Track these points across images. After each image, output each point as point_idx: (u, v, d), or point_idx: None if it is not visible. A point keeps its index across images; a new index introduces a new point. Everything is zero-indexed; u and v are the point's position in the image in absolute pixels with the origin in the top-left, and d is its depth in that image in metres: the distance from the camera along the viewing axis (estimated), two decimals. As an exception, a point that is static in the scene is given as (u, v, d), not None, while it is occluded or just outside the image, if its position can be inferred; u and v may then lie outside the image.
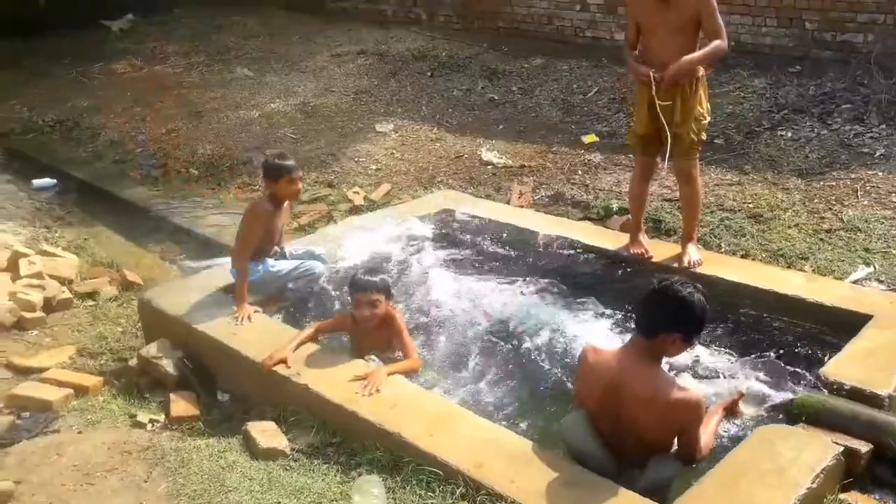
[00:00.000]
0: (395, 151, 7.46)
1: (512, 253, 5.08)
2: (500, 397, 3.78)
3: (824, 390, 3.33)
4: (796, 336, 3.92)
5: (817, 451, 2.96)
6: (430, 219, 5.48)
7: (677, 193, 5.04)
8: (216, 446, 3.47)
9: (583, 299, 4.53)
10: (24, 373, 4.27)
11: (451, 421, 3.31)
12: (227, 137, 8.04)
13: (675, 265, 4.47)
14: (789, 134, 6.51)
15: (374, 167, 7.15)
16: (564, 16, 9.66)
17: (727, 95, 7.40)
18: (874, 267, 4.63)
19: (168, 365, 4.10)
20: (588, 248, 4.91)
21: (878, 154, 5.97)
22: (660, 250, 4.73)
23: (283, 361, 3.69)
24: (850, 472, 3.01)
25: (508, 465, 3.02)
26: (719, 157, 6.36)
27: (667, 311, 2.91)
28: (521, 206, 6.03)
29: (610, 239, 5.01)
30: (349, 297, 3.96)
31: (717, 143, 6.56)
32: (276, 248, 4.59)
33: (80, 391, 4.04)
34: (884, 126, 6.32)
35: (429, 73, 9.41)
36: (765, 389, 3.53)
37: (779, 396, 3.48)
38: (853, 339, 3.60)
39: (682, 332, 2.92)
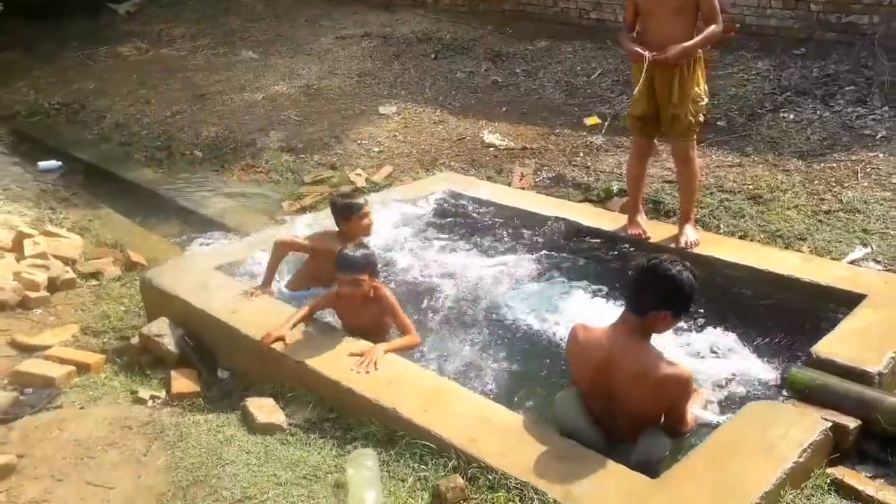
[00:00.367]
0: (397, 134, 7.49)
1: (510, 234, 5.10)
2: (495, 374, 3.82)
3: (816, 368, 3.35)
4: (791, 315, 3.93)
5: (805, 426, 2.99)
6: (431, 200, 5.50)
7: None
8: (215, 421, 3.52)
9: (580, 279, 4.56)
10: (28, 350, 4.34)
11: (445, 397, 3.36)
12: (231, 120, 8.08)
13: (673, 246, 4.49)
14: (791, 116, 6.50)
15: (376, 149, 7.18)
16: (569, -3, 9.64)
17: (731, 77, 7.39)
18: (871, 247, 4.64)
19: (169, 343, 4.15)
20: (587, 229, 4.93)
21: (879, 136, 5.95)
22: (658, 231, 4.74)
23: (281, 339, 3.74)
24: (838, 448, 3.04)
25: (500, 440, 3.06)
26: (721, 138, 6.36)
27: (656, 289, 2.94)
28: (523, 188, 6.05)
29: (609, 220, 5.03)
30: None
31: (719, 125, 6.56)
32: None
33: (83, 368, 4.10)
34: (886, 108, 6.31)
35: (433, 56, 9.42)
36: (757, 367, 3.56)
37: (771, 374, 3.51)
38: (846, 318, 3.62)
39: (672, 310, 2.95)
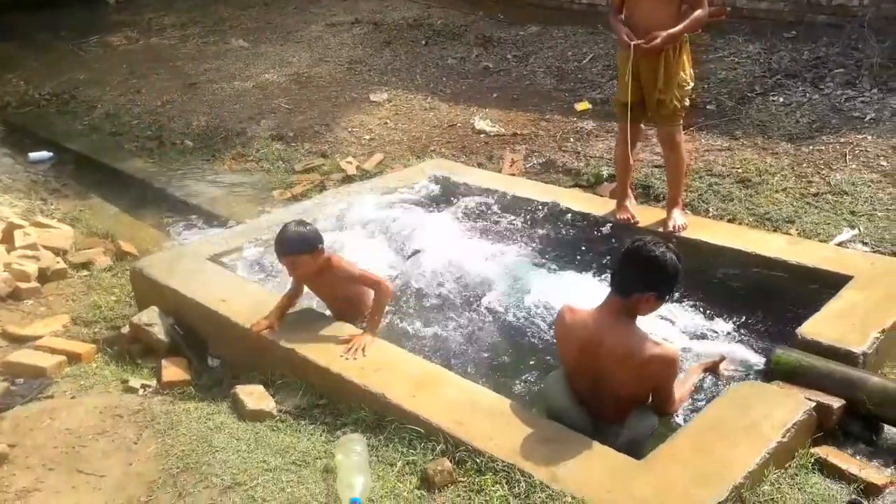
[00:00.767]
0: (388, 121, 7.48)
1: (500, 219, 5.12)
2: (485, 359, 3.85)
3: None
4: (777, 297, 3.96)
5: (789, 407, 3.02)
6: (421, 187, 5.51)
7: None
8: (205, 409, 3.54)
9: (569, 263, 4.59)
10: (19, 341, 4.34)
11: (434, 382, 3.38)
12: (222, 109, 8.07)
13: (661, 230, 4.50)
14: (781, 99, 6.51)
15: (367, 137, 7.17)
16: (560, -18, 9.62)
17: (721, 61, 7.39)
18: (859, 229, 4.66)
19: (159, 332, 4.16)
20: (576, 214, 4.95)
21: (868, 118, 5.97)
22: (647, 215, 4.76)
23: (270, 327, 3.76)
24: (822, 427, 3.07)
25: (488, 423, 3.09)
26: (711, 122, 6.37)
27: (640, 271, 2.96)
28: (513, 174, 6.06)
29: (598, 205, 5.04)
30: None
31: (708, 109, 6.57)
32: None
33: (74, 358, 4.11)
34: (875, 90, 6.32)
35: (423, 42, 9.40)
36: (743, 348, 3.59)
37: (757, 355, 3.54)
38: (831, 300, 3.64)
39: (656, 291, 2.97)
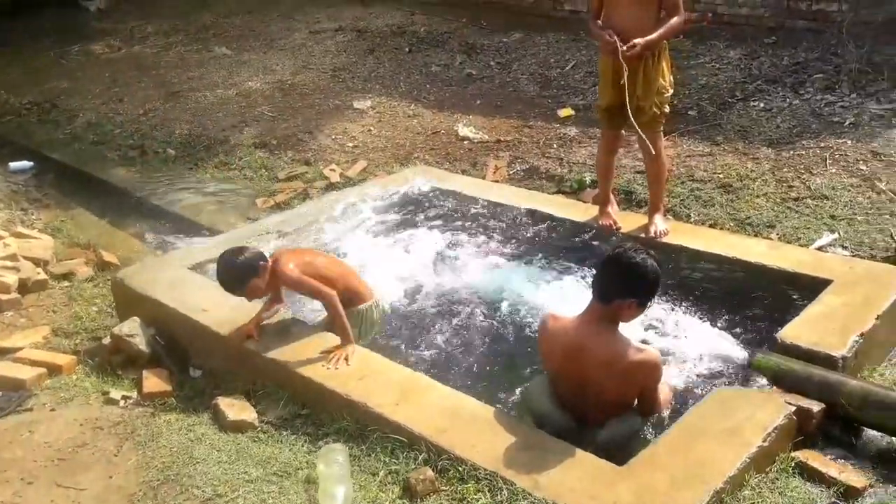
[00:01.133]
0: (372, 128, 7.48)
1: (483, 226, 5.12)
2: (468, 366, 3.85)
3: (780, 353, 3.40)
4: (758, 301, 3.99)
5: (770, 411, 3.04)
6: (404, 194, 5.51)
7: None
8: (186, 420, 3.52)
9: (551, 270, 4.60)
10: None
11: (417, 390, 3.37)
12: (205, 117, 8.05)
13: (643, 235, 4.52)
14: (762, 104, 6.55)
15: (350, 144, 7.17)
16: (543, -11, 9.66)
17: (703, 67, 7.43)
18: (839, 233, 4.69)
19: (140, 342, 4.14)
20: (559, 221, 4.96)
21: (847, 122, 6.02)
22: (629, 221, 4.78)
23: (250, 336, 3.74)
24: (802, 431, 3.09)
25: (471, 431, 3.09)
26: (692, 128, 6.41)
27: (621, 278, 2.98)
28: (497, 181, 6.07)
29: (580, 211, 5.06)
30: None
31: (690, 115, 6.61)
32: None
33: (54, 370, 4.08)
34: (854, 95, 6.37)
35: (407, 49, 9.41)
36: (725, 352, 3.60)
37: (738, 359, 3.55)
38: (811, 304, 3.67)
39: (637, 297, 2.99)
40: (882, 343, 3.65)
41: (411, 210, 5.42)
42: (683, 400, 3.36)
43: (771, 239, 4.67)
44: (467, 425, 3.12)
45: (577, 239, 4.81)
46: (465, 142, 6.98)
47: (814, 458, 3.01)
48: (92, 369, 4.17)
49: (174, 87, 9.02)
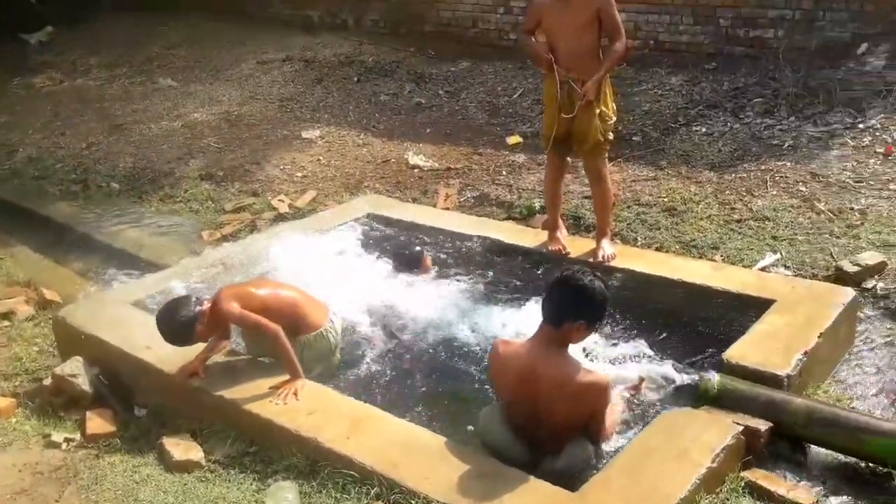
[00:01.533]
0: (321, 158, 7.45)
1: (434, 254, 5.12)
2: (420, 396, 3.81)
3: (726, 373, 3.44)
4: (704, 322, 4.04)
5: (718, 432, 3.07)
6: (353, 224, 5.49)
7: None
8: (131, 461, 3.43)
9: (502, 296, 4.60)
10: (-66, 399, 4.15)
11: (368, 423, 3.34)
12: (149, 149, 7.94)
13: (591, 260, 4.57)
14: (703, 129, 6.70)
15: (299, 174, 7.13)
16: (489, 19, 9.77)
17: (646, 94, 7.59)
18: (781, 254, 4.80)
19: (83, 382, 4.03)
20: (509, 247, 4.99)
21: (786, 145, 6.18)
22: (577, 246, 4.82)
23: (195, 373, 3.66)
24: (750, 451, 3.13)
25: (424, 463, 3.06)
26: (637, 153, 6.52)
27: (570, 300, 3.01)
28: (447, 209, 6.09)
29: (530, 237, 5.09)
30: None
31: (634, 141, 6.73)
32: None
33: (-8, 414, 3.95)
34: (792, 118, 6.56)
35: (356, 79, 9.42)
36: (672, 375, 3.63)
37: (685, 381, 3.58)
38: (755, 324, 3.73)
39: (586, 319, 3.02)
40: (825, 361, 3.73)
41: (361, 239, 5.39)
42: (633, 423, 3.38)
43: (715, 261, 4.76)
44: (420, 457, 3.09)
45: (527, 265, 4.83)
46: (416, 170, 6.99)
47: (763, 478, 3.05)
48: (32, 412, 4.04)
49: (118, 120, 8.89)
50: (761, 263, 4.72)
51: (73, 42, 12.24)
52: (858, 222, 5.00)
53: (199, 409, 3.64)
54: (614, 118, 4.51)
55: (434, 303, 4.62)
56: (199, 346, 3.79)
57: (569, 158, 4.75)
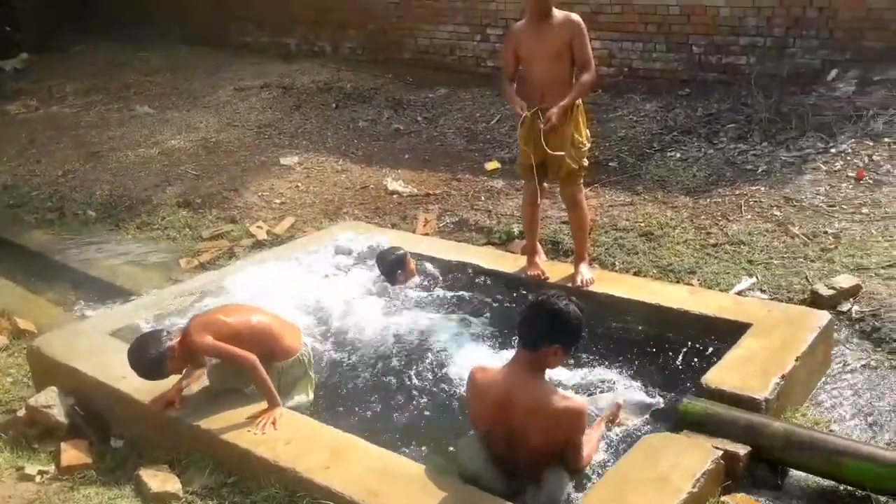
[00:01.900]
0: (299, 184, 7.45)
1: (412, 280, 5.11)
2: (399, 425, 3.80)
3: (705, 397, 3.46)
4: (681, 346, 4.06)
5: (697, 456, 3.08)
6: (332, 250, 5.48)
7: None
8: (107, 494, 3.39)
9: (481, 322, 4.62)
10: None
11: (347, 452, 3.31)
12: (126, 177, 7.90)
13: (570, 285, 4.59)
14: (678, 154, 6.78)
15: (278, 201, 7.12)
16: (465, 46, 9.86)
17: (621, 120, 7.67)
18: (757, 277, 4.85)
19: (58, 413, 3.98)
20: (488, 272, 5.00)
21: (760, 170, 6.27)
22: (556, 271, 4.84)
23: (171, 402, 3.62)
24: (730, 475, 3.14)
25: (403, 492, 3.04)
26: (613, 178, 6.58)
27: (545, 324, 3.02)
28: (427, 234, 6.10)
29: (510, 262, 5.11)
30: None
31: (610, 166, 6.79)
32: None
33: (-37, 447, 3.88)
34: (765, 143, 6.66)
35: (334, 105, 9.44)
36: (651, 399, 3.65)
37: (664, 405, 3.60)
38: (733, 348, 3.76)
39: (562, 343, 3.03)
40: (803, 384, 3.76)
41: (340, 265, 5.38)
42: (612, 448, 3.38)
43: (692, 285, 4.80)
44: (400, 486, 3.07)
45: (506, 290, 4.84)
46: (395, 196, 7.01)
47: (743, 501, 3.05)
48: (5, 444, 3.98)
49: (94, 148, 8.84)
50: (737, 287, 4.76)
51: (48, 69, 12.19)
52: (832, 246, 5.07)
53: (176, 440, 3.60)
54: (588, 145, 4.55)
55: (413, 328, 4.61)
56: (176, 378, 3.75)
57: (546, 184, 4.79)
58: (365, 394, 4.05)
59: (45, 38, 12.85)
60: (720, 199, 5.93)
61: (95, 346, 4.23)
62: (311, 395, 3.92)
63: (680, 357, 4.01)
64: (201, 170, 7.95)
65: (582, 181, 4.66)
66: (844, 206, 5.54)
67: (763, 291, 4.73)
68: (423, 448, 3.58)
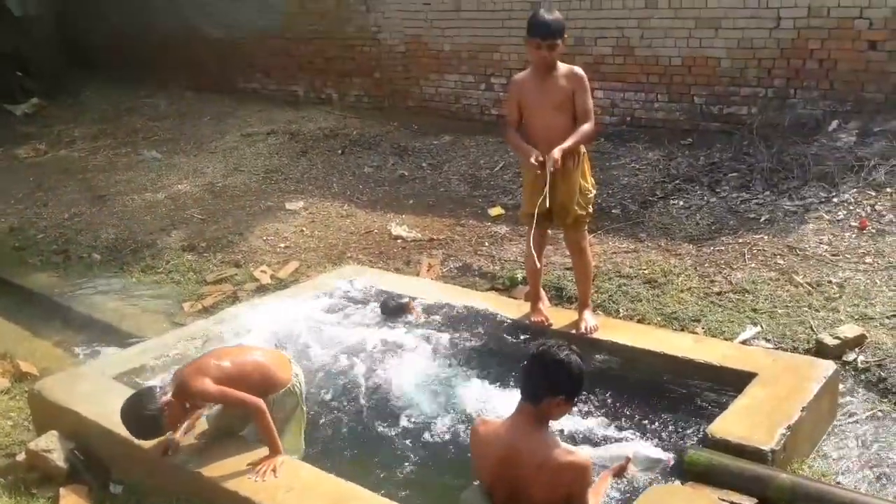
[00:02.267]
0: (304, 229, 7.49)
1: (415, 325, 5.11)
2: (401, 475, 3.76)
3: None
4: (686, 396, 4.04)
5: (703, 509, 3.04)
6: (335, 294, 5.48)
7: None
8: (105, 541, 3.33)
9: (484, 368, 4.59)
10: None
11: (349, 501, 3.28)
12: (132, 221, 7.95)
13: (574, 332, 4.58)
14: (681, 202, 6.82)
15: (282, 245, 7.15)
16: (470, 95, 10.00)
17: (624, 168, 7.73)
18: (761, 326, 4.84)
19: (58, 458, 3.96)
20: (491, 318, 4.99)
21: (763, 219, 6.30)
22: (560, 317, 4.84)
23: (174, 448, 3.59)
24: (735, 528, 3.10)
25: (406, 543, 3.00)
26: (616, 226, 6.61)
27: (547, 376, 2.98)
28: (430, 279, 6.11)
29: (513, 308, 5.10)
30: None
31: (613, 213, 6.83)
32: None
33: (-40, 492, 3.84)
34: (768, 192, 6.69)
35: (340, 151, 9.54)
36: (656, 450, 3.61)
37: (669, 456, 3.56)
38: (738, 398, 3.73)
39: (564, 394, 2.99)
40: (809, 434, 3.73)
41: (343, 310, 5.38)
42: (617, 499, 3.33)
43: (696, 333, 4.78)
44: (402, 536, 3.03)
45: (510, 336, 4.83)
46: (399, 240, 7.04)
47: (749, 555, 3.01)
48: (4, 488, 3.95)
49: (101, 191, 8.92)
50: (742, 336, 4.75)
51: (58, 114, 12.37)
52: (837, 295, 5.07)
53: (176, 486, 3.56)
54: (594, 192, 4.59)
55: (416, 375, 4.59)
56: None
57: (549, 230, 4.81)
58: (366, 440, 4.01)
59: (55, 83, 13.06)
60: (723, 248, 5.95)
61: (97, 389, 4.21)
62: (303, 445, 3.88)
63: (685, 406, 3.98)
64: (207, 214, 8.01)
65: (586, 228, 4.68)
66: (848, 256, 5.55)
67: (767, 340, 4.72)
68: (426, 499, 3.53)
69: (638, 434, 3.78)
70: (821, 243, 5.77)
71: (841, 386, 4.17)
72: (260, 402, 3.55)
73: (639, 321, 5.04)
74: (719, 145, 7.68)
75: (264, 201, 8.24)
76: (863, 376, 4.31)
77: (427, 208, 7.75)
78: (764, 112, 7.70)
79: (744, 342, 4.66)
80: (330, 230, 7.42)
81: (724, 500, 3.10)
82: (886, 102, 7.11)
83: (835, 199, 6.27)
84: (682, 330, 4.85)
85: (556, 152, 4.24)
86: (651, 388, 4.17)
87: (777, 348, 4.57)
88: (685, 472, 3.35)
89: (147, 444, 3.66)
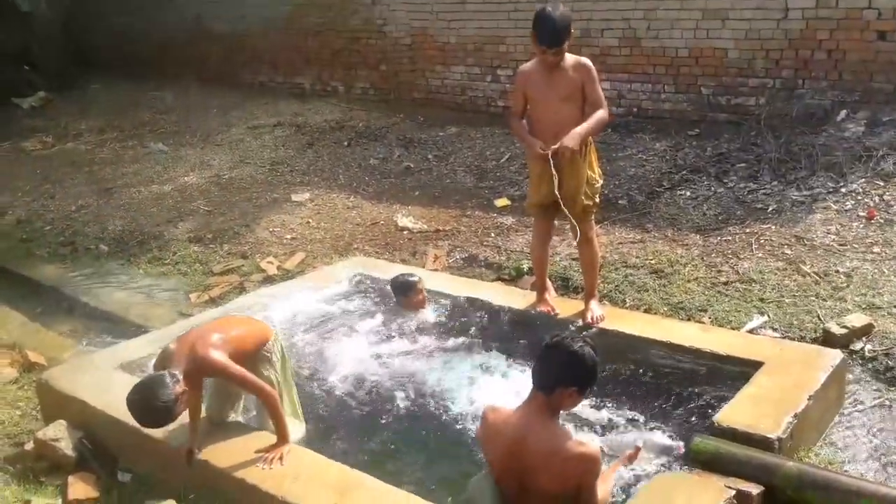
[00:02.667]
0: (310, 220, 7.50)
1: (422, 315, 5.11)
2: (408, 462, 3.76)
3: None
4: (693, 385, 4.03)
5: (710, 496, 3.04)
6: (341, 285, 5.49)
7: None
8: (113, 529, 3.35)
9: (493, 358, 4.59)
10: (-89, 464, 4.07)
11: (356, 489, 3.29)
12: (139, 212, 7.98)
13: (580, 321, 4.58)
14: (688, 193, 6.80)
15: (288, 237, 7.16)
16: (476, 87, 9.98)
17: (630, 158, 7.71)
18: (768, 316, 4.82)
19: (66, 447, 3.98)
20: (498, 308, 4.99)
21: (770, 209, 6.27)
22: (566, 307, 4.84)
23: (198, 449, 3.59)
24: (743, 516, 3.09)
25: (412, 530, 3.00)
26: (623, 216, 6.60)
27: (560, 366, 2.98)
28: (436, 270, 6.11)
29: (520, 298, 5.10)
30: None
31: (620, 204, 6.81)
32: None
33: (-31, 480, 3.87)
34: (775, 182, 6.66)
35: (346, 143, 9.54)
36: (663, 438, 3.61)
37: (676, 444, 3.56)
38: (745, 386, 3.73)
39: (577, 385, 2.99)
40: (816, 423, 3.72)
41: (350, 300, 5.39)
42: (623, 487, 3.33)
43: (703, 322, 4.77)
44: (409, 524, 3.03)
45: (516, 326, 4.83)
46: (405, 232, 7.04)
47: (755, 542, 3.00)
48: (12, 477, 3.97)
49: (108, 184, 8.95)
50: (749, 325, 4.74)
51: (64, 107, 12.41)
52: (844, 285, 5.05)
53: (184, 475, 3.57)
54: (601, 182, 4.57)
55: (423, 365, 4.60)
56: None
57: (555, 221, 4.80)
58: (373, 429, 4.02)
59: (62, 77, 13.09)
60: (731, 238, 5.93)
61: (105, 379, 4.23)
62: (303, 427, 3.89)
63: (692, 395, 3.97)
64: (213, 206, 8.03)
65: (593, 218, 4.67)
66: (856, 245, 5.53)
67: (774, 330, 4.71)
68: (433, 486, 3.53)
69: (645, 423, 3.77)
70: (828, 233, 5.75)
71: (848, 375, 4.16)
72: (274, 392, 3.55)
73: (645, 311, 5.03)
74: (727, 136, 7.64)
75: (270, 193, 8.25)
76: (870, 365, 4.30)
77: (433, 199, 7.75)
78: (772, 102, 7.66)
79: (751, 331, 4.64)
80: (336, 221, 7.43)
81: (730, 487, 3.10)
82: (895, 92, 7.07)
83: (843, 189, 6.24)
84: (689, 320, 4.84)
85: (569, 140, 4.20)
86: (658, 377, 4.17)
87: (784, 337, 4.55)
88: (692, 460, 3.35)
89: (154, 432, 3.66)
